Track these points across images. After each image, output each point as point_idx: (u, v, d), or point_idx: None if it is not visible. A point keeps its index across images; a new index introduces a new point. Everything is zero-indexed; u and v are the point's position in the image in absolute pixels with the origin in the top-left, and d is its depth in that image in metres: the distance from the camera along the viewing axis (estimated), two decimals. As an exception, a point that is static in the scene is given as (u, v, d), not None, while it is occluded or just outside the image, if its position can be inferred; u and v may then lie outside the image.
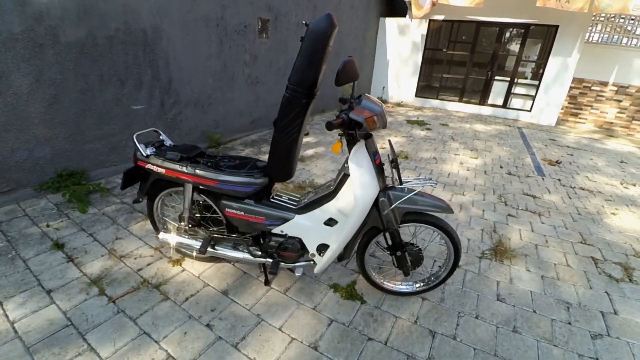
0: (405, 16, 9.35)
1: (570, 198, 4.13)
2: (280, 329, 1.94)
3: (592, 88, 8.63)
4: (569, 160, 5.80)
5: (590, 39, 8.48)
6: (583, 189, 4.47)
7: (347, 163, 1.82)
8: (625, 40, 8.30)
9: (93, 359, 1.67)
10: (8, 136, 2.85)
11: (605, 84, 8.46)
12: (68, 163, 3.31)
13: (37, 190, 3.11)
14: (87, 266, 2.31)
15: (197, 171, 1.95)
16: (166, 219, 2.44)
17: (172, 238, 2.21)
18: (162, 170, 2.01)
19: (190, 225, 2.21)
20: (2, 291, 2.03)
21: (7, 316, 1.87)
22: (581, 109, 8.95)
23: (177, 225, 2.25)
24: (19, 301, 1.97)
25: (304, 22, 1.72)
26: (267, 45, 5.49)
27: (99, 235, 2.65)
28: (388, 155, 1.90)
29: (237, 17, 4.77)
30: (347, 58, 1.63)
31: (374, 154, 1.81)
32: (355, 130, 1.69)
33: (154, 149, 2.08)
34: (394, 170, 1.85)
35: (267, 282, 2.26)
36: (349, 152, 1.81)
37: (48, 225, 2.71)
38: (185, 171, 1.96)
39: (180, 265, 2.40)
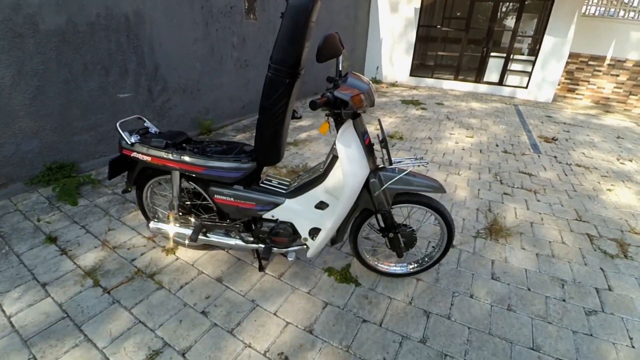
0: (398, -7, 9.14)
1: (566, 175, 4.12)
2: (275, 314, 1.95)
3: (589, 63, 8.52)
4: (565, 137, 5.77)
5: (586, 12, 8.31)
6: (579, 166, 4.45)
7: (335, 144, 1.78)
8: (622, 13, 8.14)
9: (90, 350, 1.68)
10: (-7, 130, 2.79)
11: (602, 58, 8.35)
12: (57, 156, 3.26)
13: (28, 185, 3.07)
14: (81, 258, 2.30)
15: (184, 158, 1.91)
16: (157, 207, 2.42)
17: (163, 227, 2.19)
18: (148, 158, 1.97)
19: (180, 214, 2.18)
20: (-5, 286, 2.02)
21: (3, 311, 1.86)
22: (578, 85, 8.86)
23: (168, 213, 2.23)
24: (14, 296, 1.97)
25: (285, -3, 1.65)
26: (255, 26, 5.35)
27: (92, 227, 2.63)
28: (378, 135, 1.87)
29: (223, -2, 4.63)
30: (329, 32, 1.57)
31: (362, 134, 1.77)
32: (341, 109, 1.64)
33: (139, 137, 2.03)
34: (383, 150, 1.81)
35: (261, 268, 2.26)
36: (337, 133, 1.77)
37: (40, 220, 2.68)
38: (171, 158, 1.92)
39: (174, 254, 2.39)
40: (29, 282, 2.07)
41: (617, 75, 8.34)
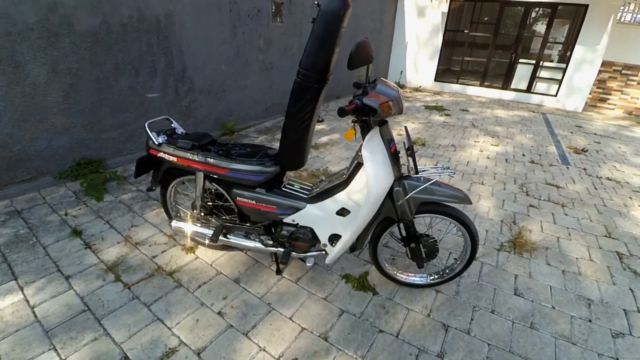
0: (424, -3, 9.03)
1: (596, 189, 3.96)
2: (290, 319, 1.94)
3: (623, 72, 8.17)
4: (595, 148, 5.54)
5: (622, 19, 7.99)
6: (610, 180, 4.27)
7: (360, 151, 1.76)
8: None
9: (108, 344, 1.72)
10: (27, 125, 2.90)
11: (636, 67, 7.99)
12: (86, 152, 3.36)
13: (57, 179, 3.18)
14: (104, 253, 2.36)
15: (208, 159, 1.93)
16: (179, 207, 2.46)
17: (185, 226, 2.22)
18: (174, 159, 2.01)
19: (202, 214, 2.21)
20: (23, 277, 2.10)
21: (27, 301, 1.93)
22: (610, 94, 8.51)
23: (190, 213, 2.26)
24: (38, 286, 2.03)
25: (315, 2, 1.64)
26: (281, 29, 5.39)
27: (116, 223, 2.70)
28: (404, 142, 1.83)
29: (250, 1, 4.69)
30: (361, 39, 1.55)
31: (389, 142, 1.74)
32: (369, 116, 1.62)
33: (166, 137, 2.08)
34: (409, 158, 1.78)
35: (278, 271, 2.26)
36: (363, 140, 1.74)
37: (67, 213, 2.77)
38: (197, 159, 1.95)
39: (194, 252, 2.42)
40: (53, 274, 2.14)
41: (653, 86, 7.98)
